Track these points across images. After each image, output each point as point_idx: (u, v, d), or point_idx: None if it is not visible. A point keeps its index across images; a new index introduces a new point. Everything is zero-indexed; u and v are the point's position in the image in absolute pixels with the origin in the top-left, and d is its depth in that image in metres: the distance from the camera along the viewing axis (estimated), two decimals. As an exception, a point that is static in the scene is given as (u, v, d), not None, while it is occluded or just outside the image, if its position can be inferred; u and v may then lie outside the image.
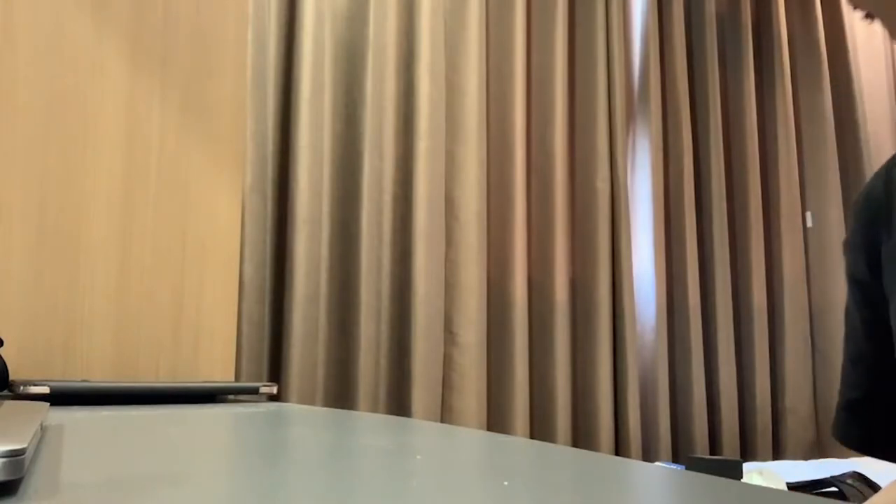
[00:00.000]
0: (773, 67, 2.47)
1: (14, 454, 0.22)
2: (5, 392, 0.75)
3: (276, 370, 1.64)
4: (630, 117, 2.22)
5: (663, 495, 0.25)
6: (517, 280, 1.93)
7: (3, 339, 0.76)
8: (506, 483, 0.26)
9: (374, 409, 1.71)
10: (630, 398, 2.01)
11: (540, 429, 1.93)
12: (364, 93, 1.78)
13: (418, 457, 0.37)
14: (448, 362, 1.83)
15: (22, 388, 0.69)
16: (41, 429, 0.34)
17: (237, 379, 1.52)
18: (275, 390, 0.91)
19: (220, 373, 1.09)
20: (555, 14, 2.07)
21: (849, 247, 0.77)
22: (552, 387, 1.94)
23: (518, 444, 0.54)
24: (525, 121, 2.02)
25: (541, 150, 2.03)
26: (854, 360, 0.73)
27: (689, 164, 2.25)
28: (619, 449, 2.00)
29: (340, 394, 1.68)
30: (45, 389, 0.68)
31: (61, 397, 0.69)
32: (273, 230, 1.69)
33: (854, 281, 0.74)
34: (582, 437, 1.98)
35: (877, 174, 0.75)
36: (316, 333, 1.66)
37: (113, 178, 1.01)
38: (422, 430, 0.72)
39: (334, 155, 1.76)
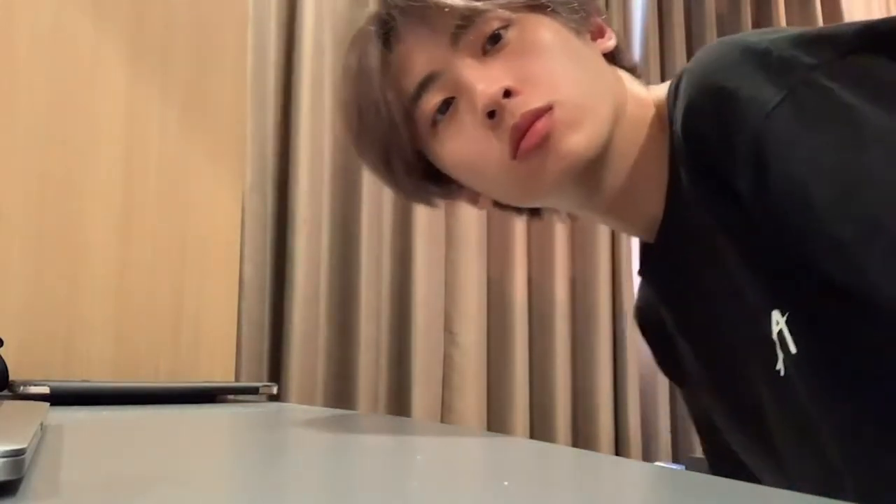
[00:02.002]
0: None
1: (14, 454, 0.22)
2: (5, 392, 0.75)
3: (276, 370, 1.64)
4: (630, 117, 2.22)
5: (663, 495, 0.25)
6: (517, 280, 1.93)
7: (4, 339, 0.76)
8: (506, 483, 0.26)
9: (374, 409, 1.71)
10: (630, 398, 2.01)
11: (540, 429, 1.93)
12: (364, 93, 1.78)
13: (418, 457, 0.37)
14: (448, 362, 1.83)
15: (22, 388, 0.69)
16: (41, 429, 0.34)
17: (237, 379, 1.52)
18: (275, 390, 0.91)
19: (220, 373, 1.10)
20: (555, 14, 2.07)
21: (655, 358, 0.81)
22: (552, 387, 1.94)
23: (518, 444, 0.54)
24: (525, 121, 2.01)
25: (541, 150, 2.03)
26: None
27: (689, 164, 2.25)
28: (619, 449, 2.00)
29: (340, 394, 1.68)
30: (45, 389, 0.68)
31: (61, 397, 0.69)
32: (273, 230, 1.69)
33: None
34: (582, 438, 1.98)
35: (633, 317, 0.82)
36: (316, 333, 1.66)
37: (113, 178, 1.01)
38: (422, 429, 0.72)
39: (334, 154, 1.76)
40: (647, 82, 0.65)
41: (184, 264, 1.07)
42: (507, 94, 0.56)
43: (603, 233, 2.05)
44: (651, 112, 0.60)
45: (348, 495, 0.23)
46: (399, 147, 0.62)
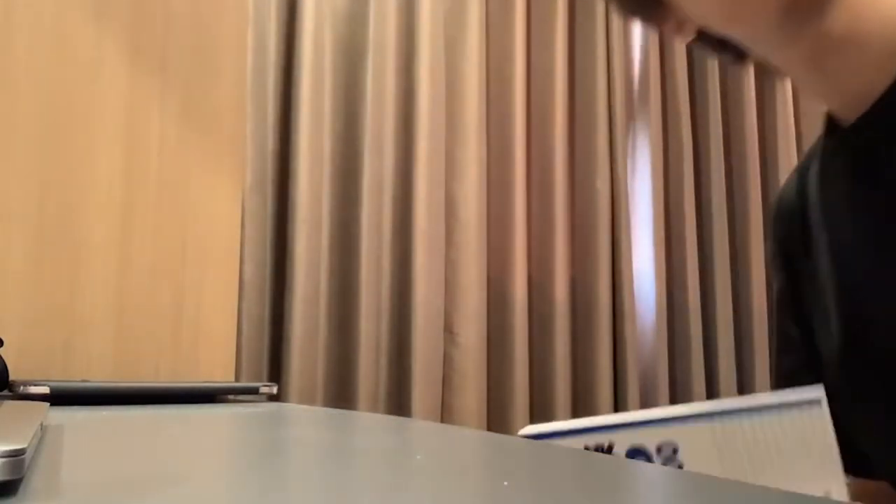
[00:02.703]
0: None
1: (14, 454, 0.22)
2: (5, 392, 0.75)
3: (276, 370, 1.64)
4: (630, 117, 2.22)
5: (663, 495, 0.25)
6: (517, 280, 1.93)
7: (3, 339, 0.76)
8: (506, 483, 0.26)
9: (374, 409, 1.71)
10: (630, 398, 2.01)
11: (540, 429, 1.92)
12: (364, 93, 1.78)
13: (418, 457, 0.37)
14: (448, 362, 1.83)
15: (22, 388, 0.69)
16: (41, 429, 0.34)
17: (237, 379, 1.52)
18: (275, 390, 0.91)
19: (220, 373, 1.09)
20: (555, 14, 2.07)
21: (770, 265, 0.72)
22: (552, 387, 1.94)
23: (518, 444, 0.54)
24: (525, 121, 2.01)
25: (541, 151, 2.03)
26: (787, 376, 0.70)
27: (689, 164, 2.25)
28: (619, 449, 1.99)
29: (340, 394, 1.68)
30: (44, 389, 0.68)
31: (61, 397, 0.69)
32: (273, 230, 1.69)
33: (785, 291, 0.69)
34: (582, 438, 1.98)
35: (788, 179, 0.69)
36: (316, 333, 1.66)
37: (113, 179, 1.01)
38: (422, 429, 0.72)
39: (334, 155, 1.76)
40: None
41: (184, 264, 1.07)
42: None
43: (603, 233, 2.05)
44: None
45: (348, 495, 0.23)
46: None
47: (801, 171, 0.66)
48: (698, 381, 2.16)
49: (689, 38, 0.60)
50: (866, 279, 0.55)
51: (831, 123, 0.57)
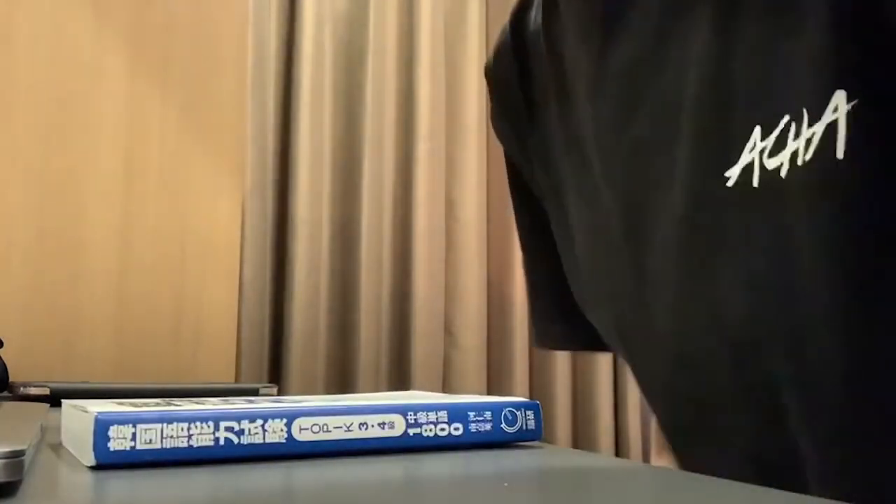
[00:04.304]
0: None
1: (14, 455, 0.22)
2: (5, 393, 0.75)
3: (277, 371, 1.64)
4: (630, 118, 2.22)
5: (664, 496, 0.25)
6: (517, 281, 1.93)
7: (4, 339, 0.76)
8: (506, 484, 0.26)
9: (374, 410, 1.71)
10: (630, 398, 2.01)
11: (540, 429, 1.92)
12: (364, 94, 1.78)
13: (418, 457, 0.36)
14: (448, 363, 1.83)
15: (22, 389, 0.69)
16: (41, 430, 0.34)
17: (237, 380, 1.52)
18: (275, 391, 0.91)
19: (220, 374, 1.09)
20: (555, 15, 2.07)
21: (497, 132, 0.62)
22: (552, 387, 1.94)
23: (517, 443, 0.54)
24: (525, 121, 2.01)
25: (541, 151, 2.03)
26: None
27: (690, 164, 2.25)
28: (619, 450, 2.00)
29: (340, 394, 1.68)
30: (44, 391, 0.68)
31: (61, 398, 0.69)
32: (273, 230, 1.69)
33: (514, 184, 0.61)
34: (582, 438, 1.98)
35: (502, 30, 0.58)
36: (316, 334, 1.66)
37: (113, 179, 1.01)
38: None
39: (334, 156, 1.76)
40: None
41: (184, 264, 1.07)
42: None
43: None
44: None
45: (347, 495, 0.23)
46: None
47: (517, 15, 0.57)
48: (698, 382, 2.15)
49: None
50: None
51: None
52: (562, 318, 0.61)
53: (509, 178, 0.64)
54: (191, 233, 1.08)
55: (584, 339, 0.58)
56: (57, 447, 0.35)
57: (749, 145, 0.36)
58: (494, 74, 0.61)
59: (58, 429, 0.37)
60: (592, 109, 0.48)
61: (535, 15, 0.55)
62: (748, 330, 0.38)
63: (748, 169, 0.36)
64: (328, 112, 1.75)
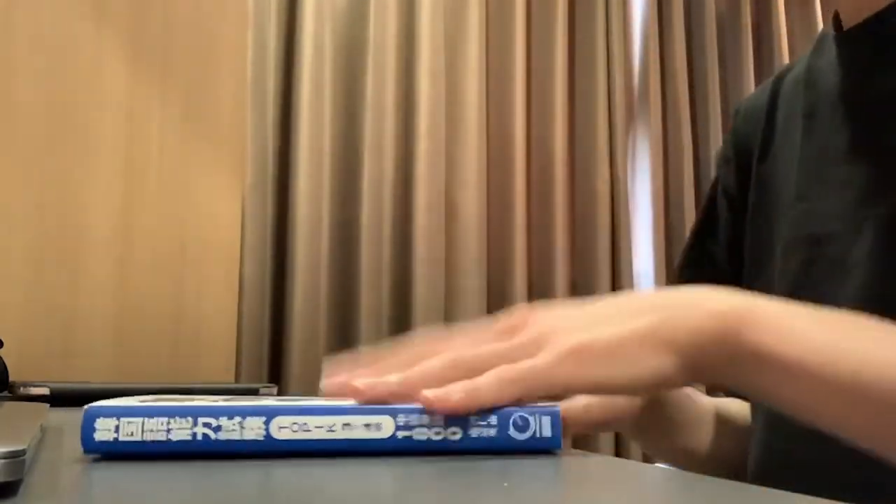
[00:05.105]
0: (773, 67, 2.47)
1: (14, 455, 0.22)
2: (5, 393, 0.75)
3: (276, 371, 1.64)
4: (630, 117, 2.22)
5: (664, 496, 0.25)
6: (517, 281, 1.93)
7: (3, 339, 0.76)
8: (505, 484, 0.26)
9: (375, 410, 1.71)
10: (630, 398, 2.01)
11: (540, 429, 1.92)
12: (364, 93, 1.78)
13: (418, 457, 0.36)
14: (448, 363, 1.83)
15: (22, 389, 0.69)
16: (41, 430, 0.34)
17: (237, 380, 1.52)
18: (275, 391, 0.91)
19: (220, 374, 1.09)
20: (555, 14, 2.07)
21: (721, 160, 0.71)
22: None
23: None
24: (525, 121, 2.01)
25: (541, 151, 2.03)
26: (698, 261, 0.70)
27: (689, 164, 2.25)
28: (619, 450, 2.00)
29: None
30: (44, 390, 0.68)
31: (61, 398, 0.69)
32: (273, 230, 1.69)
33: (726, 195, 0.69)
34: (582, 438, 1.98)
35: (762, 86, 0.70)
36: (316, 334, 1.66)
37: (113, 179, 1.01)
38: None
39: (334, 155, 1.76)
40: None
41: (184, 264, 1.07)
42: None
43: (603, 233, 2.05)
44: None
45: (347, 495, 0.23)
46: None
47: (777, 79, 0.68)
48: (698, 382, 2.15)
49: None
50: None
51: (837, 22, 0.60)
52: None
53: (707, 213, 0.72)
54: (191, 233, 1.08)
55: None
56: (57, 446, 0.35)
57: None
58: (741, 112, 0.71)
59: (58, 429, 0.37)
60: None
61: (795, 71, 0.67)
62: None
63: None
64: (328, 112, 1.75)
